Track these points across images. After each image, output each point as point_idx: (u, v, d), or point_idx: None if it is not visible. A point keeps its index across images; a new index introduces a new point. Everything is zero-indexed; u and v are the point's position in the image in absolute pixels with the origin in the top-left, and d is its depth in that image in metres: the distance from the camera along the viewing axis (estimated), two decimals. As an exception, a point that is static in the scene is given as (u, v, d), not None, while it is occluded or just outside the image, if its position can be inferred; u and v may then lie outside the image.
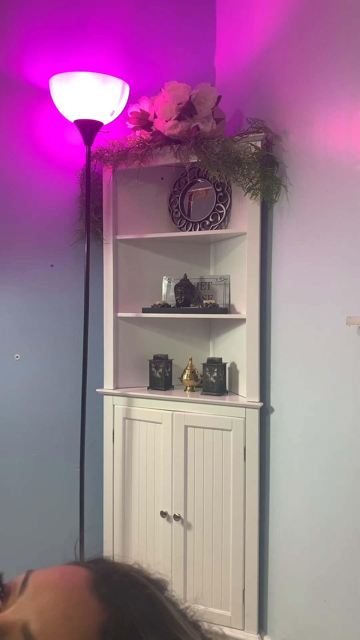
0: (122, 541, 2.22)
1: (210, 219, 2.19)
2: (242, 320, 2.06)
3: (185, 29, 2.40)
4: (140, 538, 2.19)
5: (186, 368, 2.22)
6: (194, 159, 2.02)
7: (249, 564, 1.99)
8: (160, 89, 2.04)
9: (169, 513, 2.11)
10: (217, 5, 2.39)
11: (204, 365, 2.16)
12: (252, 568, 1.99)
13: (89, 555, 0.56)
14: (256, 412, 1.97)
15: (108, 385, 2.24)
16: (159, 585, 0.51)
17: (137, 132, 2.11)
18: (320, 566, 1.69)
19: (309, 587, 1.76)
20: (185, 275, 2.23)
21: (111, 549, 2.23)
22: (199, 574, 2.08)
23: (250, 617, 2.00)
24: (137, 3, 2.34)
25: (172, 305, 2.23)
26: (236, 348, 2.17)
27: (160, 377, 2.22)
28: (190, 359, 2.23)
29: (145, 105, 2.08)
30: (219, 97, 2.09)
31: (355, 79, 1.50)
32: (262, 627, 2.04)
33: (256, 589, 1.99)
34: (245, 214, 2.01)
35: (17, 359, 2.29)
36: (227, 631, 2.01)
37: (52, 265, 2.32)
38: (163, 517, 2.12)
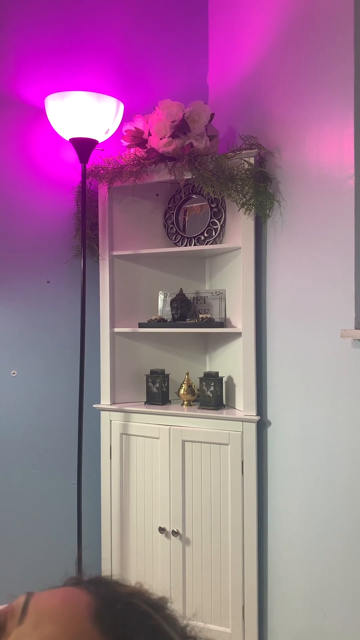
0: (120, 557, 2.21)
1: (205, 234, 2.21)
2: (238, 334, 2.07)
3: (178, 48, 2.44)
4: (139, 554, 2.17)
5: (183, 382, 2.23)
6: (188, 176, 2.04)
7: (249, 579, 1.98)
8: (154, 107, 2.07)
9: (168, 529, 2.10)
10: (210, 24, 2.44)
11: (201, 380, 2.16)
12: (251, 583, 1.98)
13: (87, 572, 0.56)
14: (253, 426, 1.97)
15: (105, 400, 2.24)
16: (159, 606, 0.51)
17: (132, 150, 2.13)
18: (320, 580, 1.68)
19: (309, 601, 1.75)
20: (181, 290, 2.25)
21: (109, 565, 2.21)
22: (198, 590, 2.07)
23: (250, 633, 1.98)
24: (131, 23, 2.38)
25: (168, 320, 2.24)
26: (232, 362, 2.17)
27: (157, 391, 2.22)
28: (187, 373, 2.24)
29: (139, 124, 2.10)
30: (212, 115, 2.12)
31: (344, 95, 1.53)
32: (262, 644, 2.02)
33: (256, 605, 1.98)
34: (239, 229, 2.03)
35: (14, 375, 2.29)
36: (228, 648, 1.99)
37: (48, 282, 2.33)
38: (161, 532, 2.11)
